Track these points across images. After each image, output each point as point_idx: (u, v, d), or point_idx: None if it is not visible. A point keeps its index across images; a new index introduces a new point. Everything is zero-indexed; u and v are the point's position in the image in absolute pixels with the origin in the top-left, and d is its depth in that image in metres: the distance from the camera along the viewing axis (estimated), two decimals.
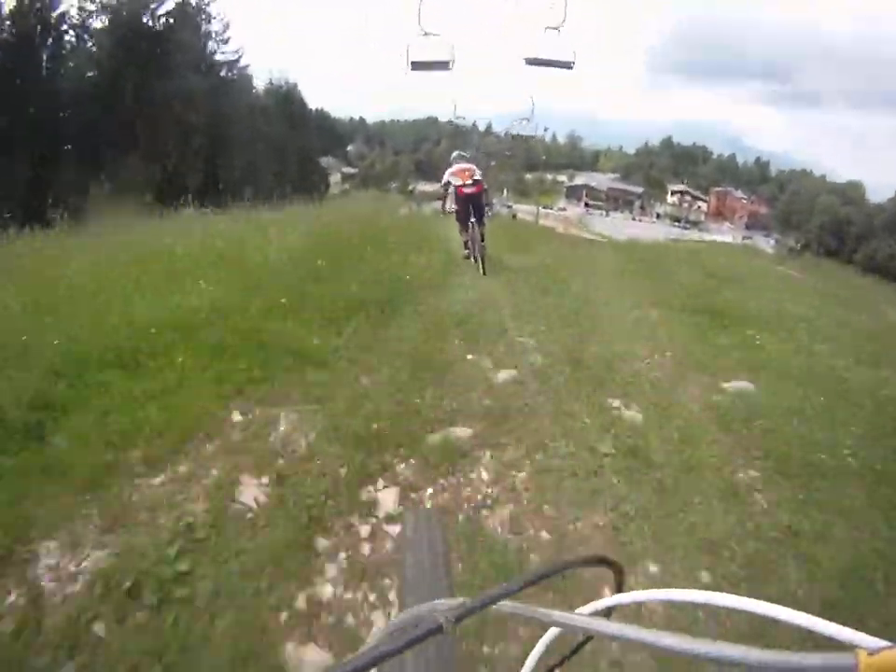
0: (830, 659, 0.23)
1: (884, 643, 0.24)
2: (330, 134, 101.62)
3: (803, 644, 0.98)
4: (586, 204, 55.11)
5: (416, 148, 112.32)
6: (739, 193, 69.46)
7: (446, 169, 7.52)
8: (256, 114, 33.57)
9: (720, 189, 68.99)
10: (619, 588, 0.44)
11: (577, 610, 0.40)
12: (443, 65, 10.02)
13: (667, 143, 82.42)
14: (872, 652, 0.22)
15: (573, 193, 58.73)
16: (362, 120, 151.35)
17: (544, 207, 63.95)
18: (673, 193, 61.08)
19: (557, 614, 0.35)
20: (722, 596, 0.32)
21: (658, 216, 58.00)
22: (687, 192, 61.01)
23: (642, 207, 58.17)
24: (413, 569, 0.67)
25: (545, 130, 34.48)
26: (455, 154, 7.75)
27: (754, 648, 0.25)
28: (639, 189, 60.79)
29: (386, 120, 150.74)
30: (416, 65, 10.00)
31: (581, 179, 62.92)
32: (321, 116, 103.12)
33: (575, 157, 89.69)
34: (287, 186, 34.77)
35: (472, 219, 7.03)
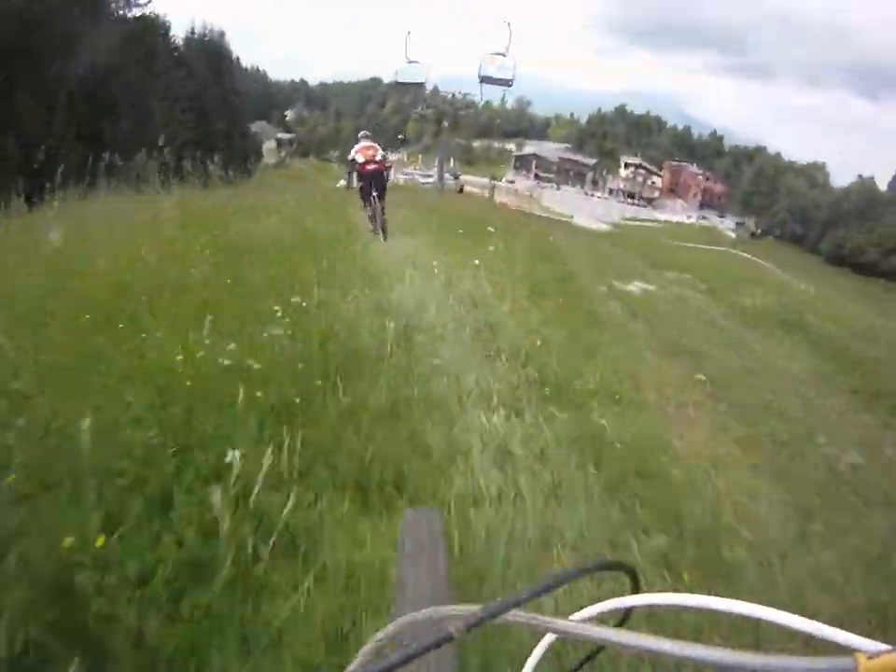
0: (829, 663, 0.23)
1: (883, 647, 0.24)
2: (267, 96, 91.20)
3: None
4: (536, 176, 50.46)
5: (360, 112, 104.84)
6: (694, 168, 66.80)
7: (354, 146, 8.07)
8: (162, 65, 26.40)
9: (674, 162, 65.96)
10: (634, 592, 0.42)
11: (574, 616, 0.40)
12: None
13: (621, 111, 78.78)
14: (871, 656, 0.22)
15: (522, 164, 53.88)
16: (304, 83, 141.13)
17: (492, 179, 59.06)
18: (627, 166, 57.23)
19: (558, 622, 0.34)
20: (720, 601, 0.32)
21: (611, 191, 54.08)
22: (641, 166, 57.39)
23: (594, 181, 53.96)
24: (411, 569, 0.66)
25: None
26: (361, 133, 8.23)
27: (754, 652, 0.25)
28: (592, 161, 56.71)
29: (329, 82, 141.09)
30: None
31: (530, 148, 58.24)
32: (257, 76, 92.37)
33: (524, 123, 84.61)
34: (207, 156, 27.79)
35: (374, 194, 7.52)
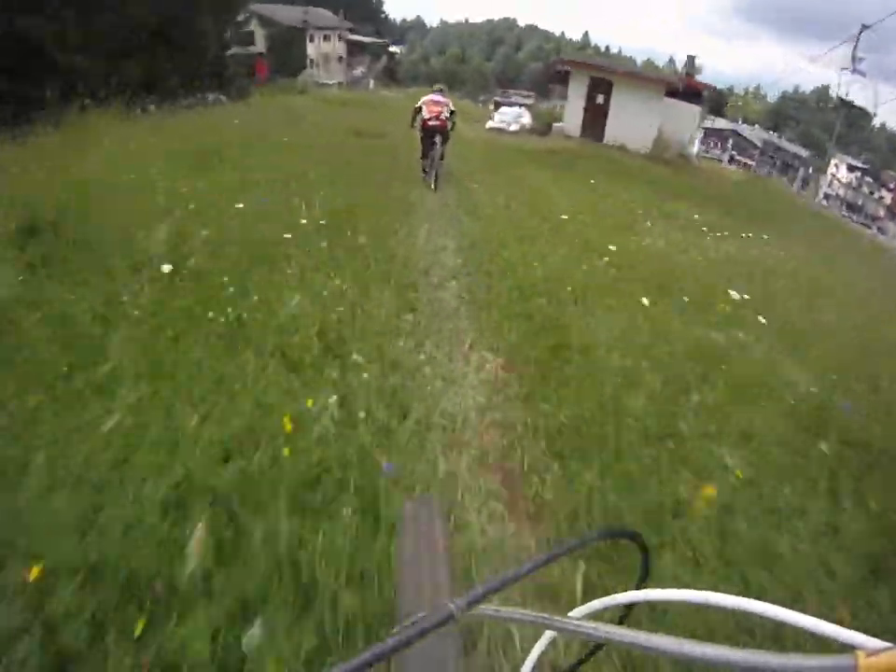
0: (829, 660, 0.22)
1: (883, 644, 0.24)
2: None
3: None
4: (731, 159, 37.68)
5: (490, 55, 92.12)
6: None
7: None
8: None
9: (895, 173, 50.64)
10: (645, 563, 0.43)
11: (572, 612, 0.40)
12: None
13: (822, 94, 62.71)
14: (871, 653, 0.22)
15: (714, 140, 40.77)
16: (420, 21, 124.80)
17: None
18: (851, 169, 43.20)
19: (556, 619, 0.35)
20: (721, 597, 0.32)
21: (826, 196, 40.51)
22: (868, 171, 43.18)
23: (805, 180, 40.36)
24: (410, 562, 0.64)
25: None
26: (436, 86, 8.23)
27: (751, 649, 0.25)
28: (804, 152, 43.20)
29: (451, 21, 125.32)
30: None
31: (719, 123, 44.83)
32: None
33: None
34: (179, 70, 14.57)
35: (436, 140, 7.46)
